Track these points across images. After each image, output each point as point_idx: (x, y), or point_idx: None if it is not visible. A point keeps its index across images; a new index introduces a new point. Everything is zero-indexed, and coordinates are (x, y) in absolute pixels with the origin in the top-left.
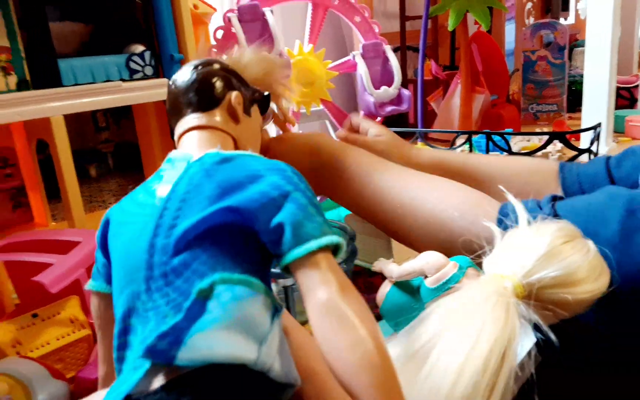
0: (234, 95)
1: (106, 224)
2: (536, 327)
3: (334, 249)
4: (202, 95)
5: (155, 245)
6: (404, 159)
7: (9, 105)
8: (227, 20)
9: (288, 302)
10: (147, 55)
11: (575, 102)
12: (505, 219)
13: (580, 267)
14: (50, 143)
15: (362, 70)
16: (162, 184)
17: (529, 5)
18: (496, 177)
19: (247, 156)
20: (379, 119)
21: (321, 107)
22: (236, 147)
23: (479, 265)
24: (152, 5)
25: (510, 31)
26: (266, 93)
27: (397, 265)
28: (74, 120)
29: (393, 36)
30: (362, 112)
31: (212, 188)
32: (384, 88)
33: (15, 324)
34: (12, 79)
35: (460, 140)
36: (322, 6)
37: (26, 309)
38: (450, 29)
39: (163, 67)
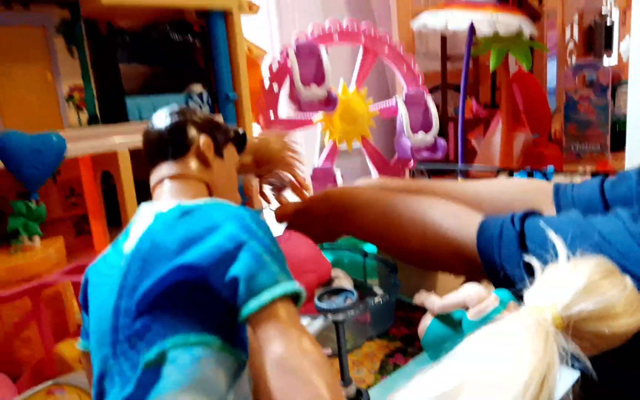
0: (202, 140)
1: (85, 285)
2: (575, 359)
3: (295, 297)
4: (173, 143)
5: (119, 308)
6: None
7: (82, 139)
8: (285, 55)
9: (339, 338)
10: (205, 95)
11: (618, 142)
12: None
13: (618, 301)
14: (116, 175)
15: (403, 115)
16: (128, 240)
17: (571, 45)
18: (483, 194)
19: (207, 206)
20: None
21: (360, 145)
22: (210, 192)
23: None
24: (210, 48)
25: (551, 69)
26: (241, 131)
27: (439, 298)
28: (136, 153)
29: (434, 75)
30: (396, 155)
31: (172, 243)
32: (421, 133)
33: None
34: (84, 116)
35: (502, 177)
36: (372, 53)
37: None
38: (491, 69)
39: (218, 105)
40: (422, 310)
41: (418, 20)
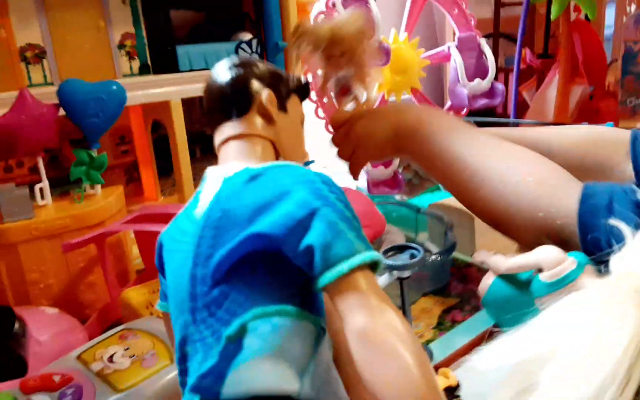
0: (264, 95)
1: (160, 249)
2: None
3: (372, 265)
4: (234, 101)
5: (196, 275)
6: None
7: (134, 88)
8: (331, 6)
9: (403, 295)
10: (254, 42)
11: None
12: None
13: None
14: (168, 124)
15: (457, 62)
16: (198, 207)
17: None
18: (554, 148)
19: (276, 169)
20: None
21: (410, 96)
22: (276, 151)
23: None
24: None
25: (609, 16)
26: (304, 79)
27: (504, 257)
28: (183, 104)
29: (484, 23)
30: (449, 103)
31: (242, 212)
32: (477, 80)
33: (148, 287)
34: (136, 64)
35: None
36: None
37: (153, 274)
38: (553, 17)
39: (267, 53)
40: (477, 268)
41: None
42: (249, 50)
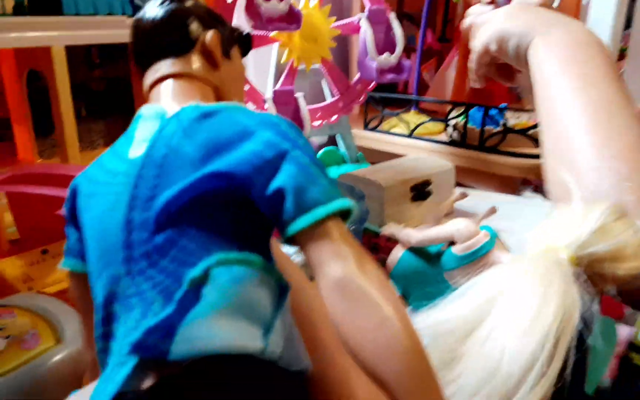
0: (209, 35)
1: (73, 195)
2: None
3: (344, 215)
4: (174, 37)
5: (133, 220)
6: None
7: (5, 28)
8: None
9: None
10: None
11: None
12: None
13: (629, 244)
14: (49, 75)
15: (367, 35)
16: (133, 146)
17: None
18: None
19: (232, 109)
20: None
21: (320, 65)
22: (217, 98)
23: None
24: None
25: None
26: (246, 32)
27: (415, 230)
28: (67, 53)
29: (388, 2)
30: (357, 76)
31: (195, 150)
32: (386, 55)
33: (25, 259)
34: (9, 2)
35: (456, 112)
36: None
37: (30, 244)
38: (455, 0)
39: None
40: (387, 238)
41: None
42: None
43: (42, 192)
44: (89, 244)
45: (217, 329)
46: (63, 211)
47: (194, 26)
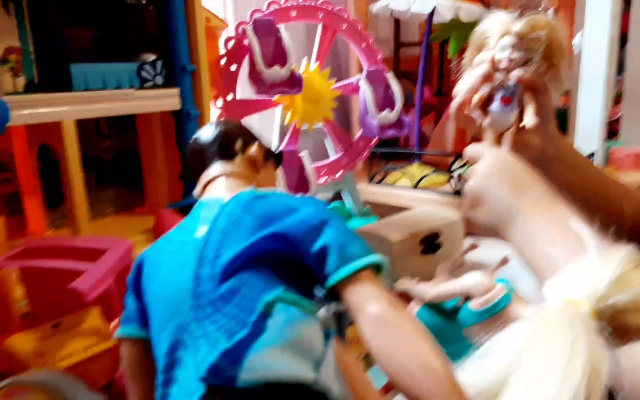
0: (255, 146)
1: (139, 267)
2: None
3: (377, 268)
4: (226, 146)
5: (201, 275)
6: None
7: (18, 106)
8: (242, 32)
9: (341, 328)
10: (159, 64)
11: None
12: None
13: None
14: (59, 148)
15: (366, 94)
16: (200, 222)
17: None
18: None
19: (279, 194)
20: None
21: (322, 125)
22: None
23: None
24: (166, 15)
25: None
26: (277, 151)
27: (428, 285)
28: (77, 126)
29: (384, 62)
30: (360, 133)
31: (252, 220)
32: (386, 112)
33: (36, 333)
34: (21, 81)
35: (458, 163)
36: (331, 29)
37: (41, 318)
38: (450, 56)
39: (175, 77)
40: (401, 294)
41: (379, 3)
42: (152, 72)
43: (54, 266)
44: (153, 305)
45: (275, 360)
46: (126, 282)
47: (238, 144)
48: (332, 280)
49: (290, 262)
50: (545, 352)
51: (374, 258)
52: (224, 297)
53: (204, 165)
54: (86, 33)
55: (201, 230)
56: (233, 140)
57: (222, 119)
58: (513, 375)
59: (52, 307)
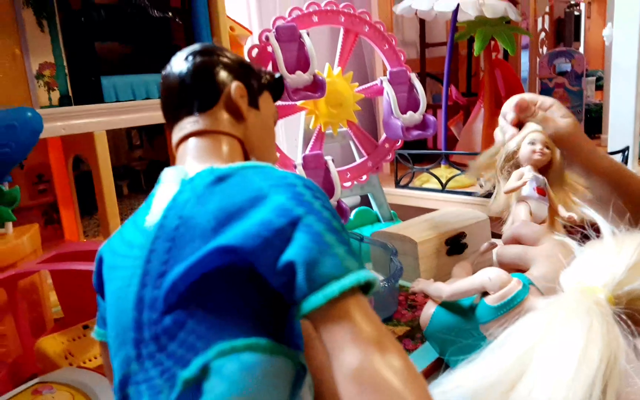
0: (233, 87)
1: (99, 264)
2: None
3: (365, 287)
4: (197, 92)
5: (144, 298)
6: (584, 154)
7: (52, 119)
8: (265, 39)
9: None
10: None
11: (589, 129)
12: None
13: None
14: (91, 159)
15: (390, 96)
16: (150, 214)
17: (542, 35)
18: None
19: (247, 169)
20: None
21: (346, 129)
22: (245, 152)
23: None
24: (191, 26)
25: (523, 60)
26: (277, 74)
27: (445, 284)
28: (108, 138)
29: (410, 64)
30: (384, 135)
31: (206, 219)
32: (410, 113)
33: (67, 335)
34: (55, 95)
35: None
36: (353, 32)
37: (72, 321)
38: (476, 53)
39: None
40: (424, 294)
41: (402, 4)
42: None
43: (81, 268)
44: (109, 319)
45: None
46: (93, 281)
47: (221, 77)
48: (302, 311)
49: (250, 280)
50: (562, 340)
51: (355, 277)
52: (168, 331)
53: (175, 116)
54: (116, 47)
55: (151, 222)
56: (208, 81)
57: (201, 47)
58: (529, 364)
59: (82, 309)
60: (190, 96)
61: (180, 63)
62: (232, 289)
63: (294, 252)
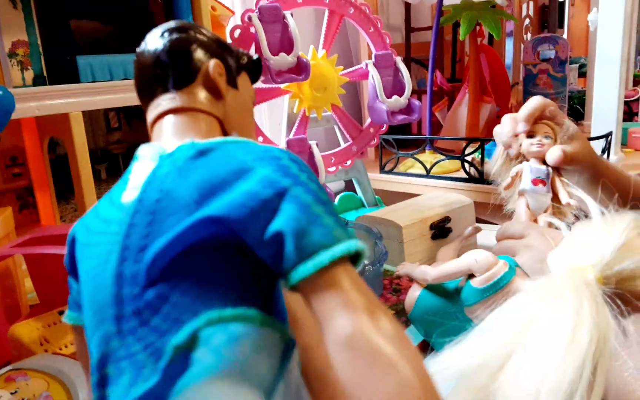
0: (212, 64)
1: (72, 244)
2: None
3: (354, 257)
4: (175, 69)
5: (124, 273)
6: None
7: (26, 99)
8: (247, 20)
9: None
10: None
11: (571, 116)
12: None
13: None
14: (67, 140)
15: (375, 79)
16: (127, 190)
17: (527, 21)
18: None
19: (230, 144)
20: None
21: (331, 113)
22: (223, 129)
23: None
24: (171, 4)
25: (508, 46)
26: (255, 56)
27: (430, 267)
28: (85, 120)
29: (395, 48)
30: (369, 120)
31: (189, 193)
32: (395, 97)
33: (42, 321)
34: (29, 74)
35: (471, 148)
36: (338, 14)
37: (47, 308)
38: (461, 37)
39: None
40: (409, 278)
41: None
42: None
43: (55, 252)
44: (84, 299)
45: (213, 395)
46: (65, 261)
47: (198, 55)
48: (291, 280)
49: (237, 251)
50: (551, 320)
51: (346, 246)
52: (151, 305)
53: (150, 94)
54: (92, 25)
55: (128, 198)
56: (185, 58)
57: (180, 22)
58: (518, 345)
59: (58, 294)
60: (166, 73)
61: (155, 40)
62: (217, 261)
63: (282, 222)
